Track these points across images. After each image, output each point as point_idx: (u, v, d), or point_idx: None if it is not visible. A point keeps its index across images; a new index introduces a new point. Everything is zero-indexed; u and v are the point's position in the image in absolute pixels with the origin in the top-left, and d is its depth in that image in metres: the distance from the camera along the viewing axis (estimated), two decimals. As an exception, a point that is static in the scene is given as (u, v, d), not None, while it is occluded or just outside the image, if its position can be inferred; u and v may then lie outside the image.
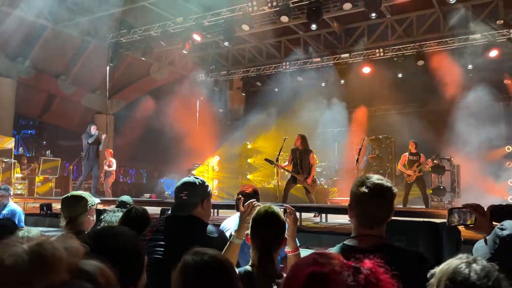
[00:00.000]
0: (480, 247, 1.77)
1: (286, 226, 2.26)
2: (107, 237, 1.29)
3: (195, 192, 2.48)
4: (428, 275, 1.24)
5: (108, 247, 1.22)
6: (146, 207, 4.80)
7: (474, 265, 1.15)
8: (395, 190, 1.87)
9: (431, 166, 10.92)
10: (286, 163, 8.80)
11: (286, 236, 2.06)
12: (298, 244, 2.86)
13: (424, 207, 9.31)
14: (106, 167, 11.99)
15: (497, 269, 1.16)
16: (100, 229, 1.33)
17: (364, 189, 1.80)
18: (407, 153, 9.83)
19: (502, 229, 1.59)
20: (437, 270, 1.21)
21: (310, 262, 0.91)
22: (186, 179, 2.57)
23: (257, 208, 2.11)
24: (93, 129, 11.11)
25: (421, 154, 9.74)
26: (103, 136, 11.30)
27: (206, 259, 1.35)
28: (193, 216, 2.44)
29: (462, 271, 1.15)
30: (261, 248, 1.92)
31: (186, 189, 2.47)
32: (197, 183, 2.52)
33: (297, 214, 6.71)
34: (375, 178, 1.84)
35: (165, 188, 15.01)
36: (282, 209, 2.24)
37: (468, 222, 1.95)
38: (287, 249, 2.20)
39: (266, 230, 1.96)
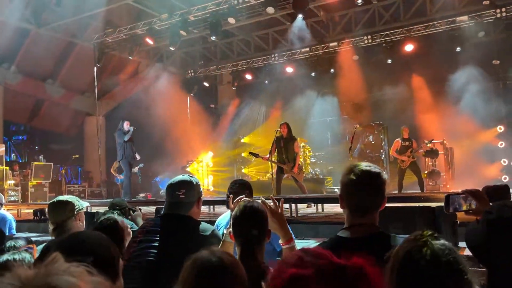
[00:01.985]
0: (473, 230, 1.74)
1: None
2: (76, 244, 1.22)
3: (193, 192, 2.44)
4: (385, 257, 1.19)
5: (78, 254, 1.15)
6: (141, 207, 4.77)
7: (424, 249, 1.11)
8: (385, 176, 1.83)
9: (424, 150, 10.95)
10: (268, 155, 8.62)
11: (269, 228, 2.01)
12: (294, 237, 2.82)
13: (420, 191, 9.32)
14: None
15: (450, 249, 1.11)
16: (67, 237, 1.25)
17: (352, 177, 1.76)
18: (399, 139, 9.76)
19: (489, 213, 1.57)
20: (393, 252, 1.17)
21: (294, 262, 0.88)
22: (181, 177, 2.52)
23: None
24: (126, 125, 10.19)
25: (413, 140, 9.71)
26: (127, 126, 10.35)
27: (221, 259, 1.32)
28: (189, 216, 2.40)
29: (413, 257, 1.11)
30: (242, 244, 1.89)
31: (183, 187, 2.42)
32: (194, 182, 2.48)
33: (293, 206, 6.71)
34: (363, 165, 1.80)
35: (160, 187, 14.94)
36: (271, 203, 2.18)
37: (464, 208, 1.92)
38: (280, 241, 2.15)
39: (245, 225, 1.92)
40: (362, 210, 1.78)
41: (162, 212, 3.67)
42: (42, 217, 7.63)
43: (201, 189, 2.54)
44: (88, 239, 1.24)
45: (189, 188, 2.42)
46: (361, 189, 1.76)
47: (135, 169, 12.92)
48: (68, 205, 2.59)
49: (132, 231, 3.74)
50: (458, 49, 12.24)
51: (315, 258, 0.90)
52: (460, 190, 1.99)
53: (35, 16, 12.48)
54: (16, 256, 1.59)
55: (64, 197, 2.68)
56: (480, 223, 1.63)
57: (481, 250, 1.54)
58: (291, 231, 2.71)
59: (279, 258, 3.09)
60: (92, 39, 13.82)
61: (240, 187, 3.29)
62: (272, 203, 2.17)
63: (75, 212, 2.60)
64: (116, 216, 3.94)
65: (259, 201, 2.13)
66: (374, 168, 1.82)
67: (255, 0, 10.96)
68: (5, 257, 1.57)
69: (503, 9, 11.21)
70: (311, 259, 0.88)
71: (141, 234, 2.34)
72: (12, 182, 12.84)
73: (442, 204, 2.05)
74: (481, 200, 1.89)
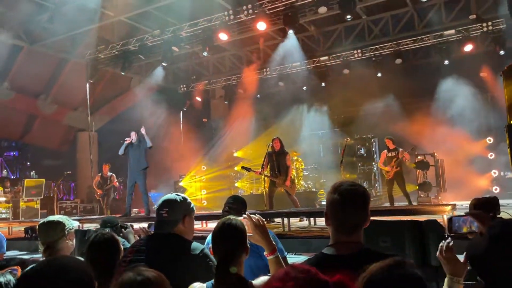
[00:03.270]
0: (475, 244, 1.77)
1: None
2: (54, 271, 1.23)
3: (176, 210, 2.43)
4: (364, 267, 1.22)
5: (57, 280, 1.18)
6: (133, 223, 4.76)
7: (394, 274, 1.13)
8: (369, 194, 1.88)
9: (415, 162, 11.03)
10: (261, 169, 8.67)
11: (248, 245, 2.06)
12: (283, 250, 2.86)
13: (408, 203, 9.24)
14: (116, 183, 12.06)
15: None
16: (45, 263, 1.27)
17: (336, 196, 1.80)
18: (385, 150, 9.65)
19: (492, 228, 1.62)
20: (370, 268, 1.20)
21: (279, 276, 0.97)
22: (167, 196, 2.52)
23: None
24: (132, 135, 9.53)
25: (400, 150, 9.45)
26: (132, 136, 9.46)
27: (139, 280, 1.33)
28: (174, 234, 2.40)
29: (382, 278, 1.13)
30: (219, 259, 1.95)
31: (166, 206, 2.43)
32: (178, 200, 2.47)
33: (285, 220, 6.72)
34: (348, 184, 1.84)
35: (153, 202, 14.86)
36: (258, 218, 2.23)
37: (465, 230, 1.95)
38: (265, 253, 2.19)
39: (221, 241, 1.99)
40: (346, 227, 1.82)
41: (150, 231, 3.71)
42: (34, 234, 7.55)
43: (190, 206, 2.50)
44: (66, 264, 1.26)
45: (172, 206, 2.42)
46: (346, 207, 1.80)
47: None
48: (59, 225, 2.60)
49: (124, 248, 3.75)
50: (446, 62, 12.44)
51: (299, 273, 0.96)
52: (463, 213, 2.02)
53: (27, 34, 12.54)
54: (1, 279, 1.61)
55: (55, 217, 2.69)
56: (483, 237, 1.67)
57: (481, 263, 1.57)
58: (281, 246, 2.75)
59: (269, 274, 3.12)
60: (84, 55, 13.88)
61: (236, 202, 3.41)
62: (256, 217, 2.22)
63: (66, 232, 2.61)
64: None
65: (244, 215, 2.19)
66: (359, 186, 1.87)
67: (246, 16, 11.10)
68: None
69: (489, 23, 11.45)
70: (295, 274, 0.95)
71: (131, 253, 2.35)
72: (3, 199, 12.73)
73: (431, 217, 2.10)
74: (485, 222, 1.91)
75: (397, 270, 1.13)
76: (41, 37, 12.77)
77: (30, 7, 11.56)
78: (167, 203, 2.45)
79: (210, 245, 2.07)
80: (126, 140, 9.55)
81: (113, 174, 12.40)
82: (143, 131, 9.40)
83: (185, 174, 14.73)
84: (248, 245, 2.07)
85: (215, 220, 7.40)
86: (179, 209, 2.43)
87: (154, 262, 2.23)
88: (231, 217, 2.12)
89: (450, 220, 1.99)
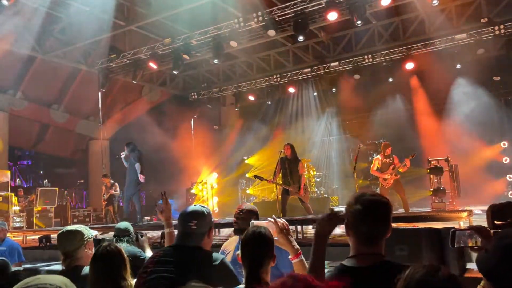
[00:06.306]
0: (485, 257, 1.74)
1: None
2: None
3: (204, 222, 2.45)
4: (396, 279, 1.30)
5: None
6: (146, 231, 4.75)
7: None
8: (391, 205, 1.86)
9: (428, 168, 10.91)
10: (273, 176, 8.62)
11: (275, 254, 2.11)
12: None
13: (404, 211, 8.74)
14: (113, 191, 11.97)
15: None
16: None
17: (358, 206, 1.79)
18: (379, 156, 9.16)
19: (504, 238, 1.58)
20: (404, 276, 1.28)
21: (276, 285, 1.10)
22: (193, 207, 2.53)
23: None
24: (125, 149, 10.00)
25: (394, 156, 9.02)
26: (123, 153, 9.97)
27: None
28: (200, 247, 2.41)
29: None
30: (248, 267, 2.01)
31: (195, 218, 2.43)
32: (206, 212, 2.49)
33: (299, 227, 6.69)
34: (370, 194, 1.83)
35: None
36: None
37: (470, 244, 1.94)
38: (290, 256, 2.25)
39: (250, 249, 2.05)
40: (368, 239, 1.80)
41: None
42: (48, 243, 7.61)
43: (212, 219, 2.54)
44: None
45: (201, 219, 2.44)
46: (368, 218, 1.78)
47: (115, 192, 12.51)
48: (78, 234, 2.62)
49: (141, 259, 3.74)
50: (458, 66, 12.33)
51: (295, 281, 1.07)
52: (466, 226, 2.00)
53: (40, 44, 12.71)
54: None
55: (73, 227, 2.71)
56: (493, 249, 1.63)
57: (496, 275, 1.54)
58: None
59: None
60: (96, 64, 14.02)
61: (248, 213, 3.34)
62: (281, 221, 2.27)
63: (85, 241, 2.63)
64: (124, 244, 3.94)
65: (271, 218, 2.25)
66: (381, 197, 1.85)
67: (256, 24, 11.14)
68: None
69: (502, 26, 11.32)
70: (292, 283, 1.06)
71: (152, 264, 2.34)
72: (17, 208, 12.86)
73: (447, 224, 2.07)
74: (487, 238, 1.89)
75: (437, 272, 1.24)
76: (53, 47, 12.95)
77: (43, 18, 11.73)
78: (196, 215, 2.45)
79: (238, 252, 2.10)
80: (122, 155, 10.08)
81: (114, 183, 12.37)
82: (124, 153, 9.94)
83: (196, 181, 14.76)
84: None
85: (228, 228, 7.38)
86: (206, 222, 2.45)
87: (180, 274, 2.22)
88: (260, 224, 2.17)
89: (453, 233, 1.96)
